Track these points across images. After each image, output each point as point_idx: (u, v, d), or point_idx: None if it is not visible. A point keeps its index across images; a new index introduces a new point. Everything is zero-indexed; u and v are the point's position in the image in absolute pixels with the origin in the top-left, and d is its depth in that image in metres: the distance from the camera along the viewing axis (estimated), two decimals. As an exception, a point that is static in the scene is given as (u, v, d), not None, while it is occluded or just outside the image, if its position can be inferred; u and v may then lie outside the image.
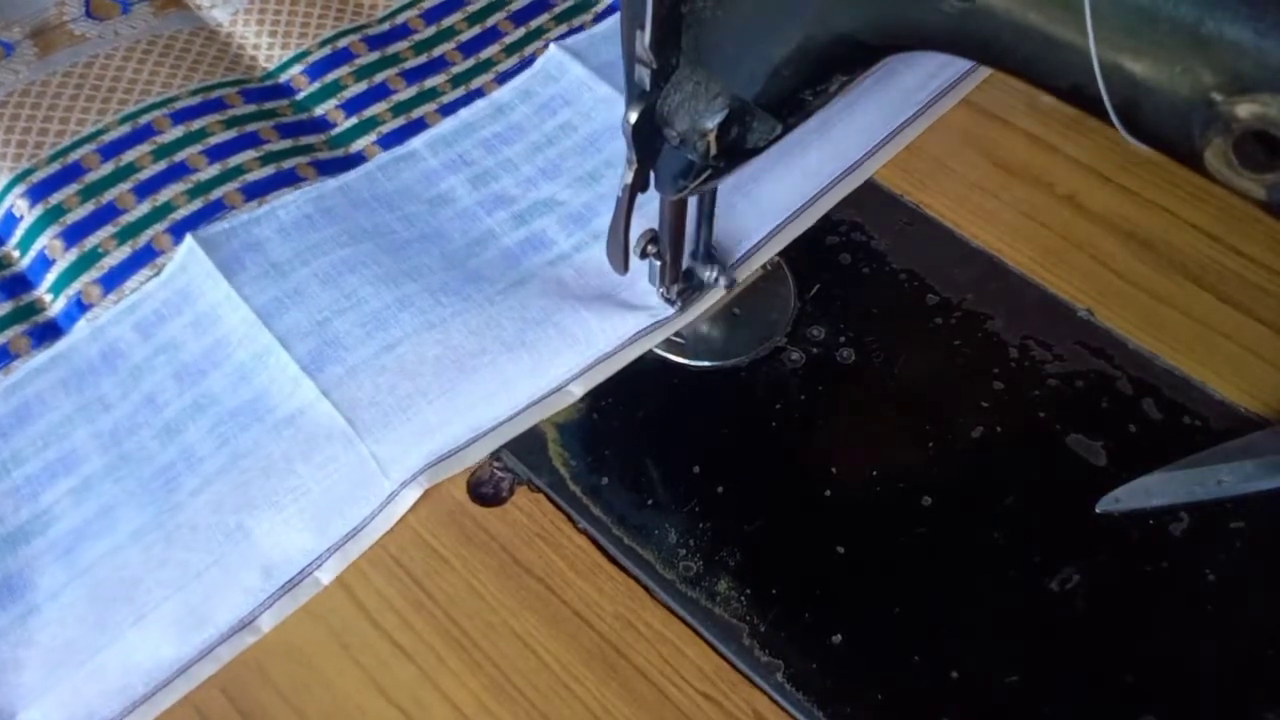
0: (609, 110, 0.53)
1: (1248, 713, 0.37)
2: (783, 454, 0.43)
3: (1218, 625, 0.39)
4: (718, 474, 0.43)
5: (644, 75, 0.35)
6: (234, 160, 0.52)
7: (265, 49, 0.58)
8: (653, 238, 0.43)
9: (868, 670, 0.38)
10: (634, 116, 0.35)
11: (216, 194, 0.50)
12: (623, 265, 0.42)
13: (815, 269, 0.48)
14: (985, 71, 0.55)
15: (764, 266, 0.49)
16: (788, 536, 0.41)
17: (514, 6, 0.60)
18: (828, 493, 0.42)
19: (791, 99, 0.36)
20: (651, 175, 0.38)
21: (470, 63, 0.57)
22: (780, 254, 0.49)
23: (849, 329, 0.46)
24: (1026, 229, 0.50)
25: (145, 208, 0.50)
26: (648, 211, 0.41)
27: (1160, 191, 0.51)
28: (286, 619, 0.40)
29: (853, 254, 0.49)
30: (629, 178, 0.38)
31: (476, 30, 0.59)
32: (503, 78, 0.56)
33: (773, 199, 0.50)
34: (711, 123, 0.35)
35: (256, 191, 0.51)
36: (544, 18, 0.59)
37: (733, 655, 0.38)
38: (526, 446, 0.44)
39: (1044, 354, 0.45)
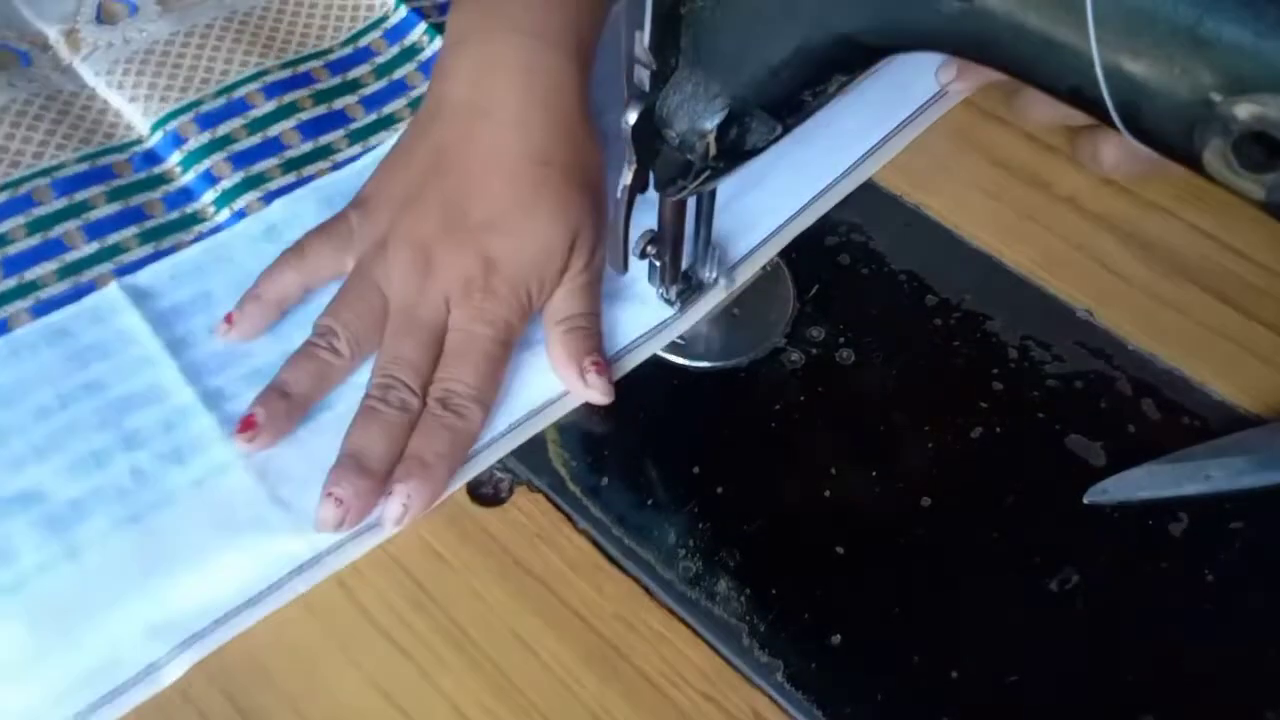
0: (152, 373, 0.45)
1: (1248, 713, 0.37)
2: (782, 454, 0.43)
3: (1218, 625, 0.39)
4: (717, 474, 0.43)
5: (643, 76, 0.35)
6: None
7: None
8: (652, 238, 0.43)
9: (868, 670, 0.38)
10: (633, 117, 0.36)
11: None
12: (622, 265, 0.43)
13: (815, 269, 0.48)
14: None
15: (763, 267, 0.49)
16: (787, 537, 0.41)
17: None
18: (827, 493, 0.42)
19: (790, 100, 0.36)
20: (651, 176, 0.38)
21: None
22: (779, 254, 0.49)
23: (848, 330, 0.46)
24: (1026, 229, 0.50)
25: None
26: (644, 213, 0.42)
27: (1160, 191, 0.51)
28: (286, 619, 0.40)
29: (852, 254, 0.49)
30: (628, 178, 0.38)
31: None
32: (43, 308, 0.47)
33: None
34: (710, 124, 0.35)
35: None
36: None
37: (732, 655, 0.38)
38: (526, 447, 0.43)
39: (1043, 354, 0.45)
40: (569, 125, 0.45)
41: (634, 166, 0.37)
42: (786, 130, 0.37)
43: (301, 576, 0.40)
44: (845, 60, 0.35)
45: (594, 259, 0.46)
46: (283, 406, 0.43)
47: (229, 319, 0.45)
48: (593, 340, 0.45)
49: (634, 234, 0.42)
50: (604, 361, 0.44)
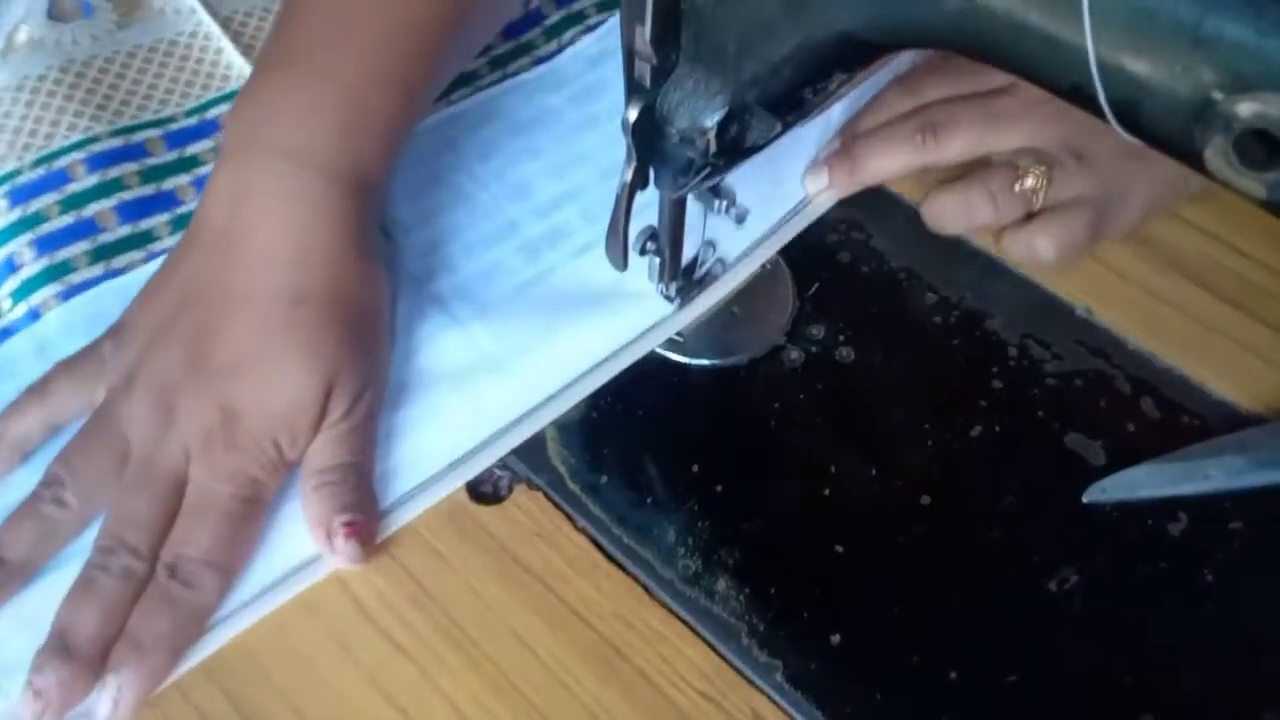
0: None
1: (1247, 713, 0.37)
2: (782, 453, 0.43)
3: (1217, 625, 0.39)
4: (717, 473, 0.42)
5: (644, 71, 0.35)
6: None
7: None
8: (652, 234, 0.43)
9: (867, 670, 0.38)
10: (634, 113, 0.35)
11: None
12: (622, 262, 0.42)
13: (815, 268, 0.48)
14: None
15: (763, 265, 0.49)
16: (786, 536, 0.41)
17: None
18: (826, 492, 0.42)
19: (791, 97, 0.36)
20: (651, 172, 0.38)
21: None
22: (780, 253, 0.49)
23: (848, 328, 0.46)
24: (1026, 228, 0.50)
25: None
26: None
27: (1160, 191, 0.51)
28: (285, 618, 0.40)
29: (852, 253, 0.49)
30: (628, 175, 0.37)
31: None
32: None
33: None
34: (711, 121, 0.35)
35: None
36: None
37: (731, 655, 0.38)
38: (525, 445, 0.43)
39: (1043, 353, 0.45)
40: (331, 259, 0.41)
41: (634, 163, 0.37)
42: (787, 128, 0.37)
43: None
44: (846, 58, 0.35)
45: (359, 404, 0.41)
46: None
47: None
48: (347, 496, 0.40)
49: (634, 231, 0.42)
50: (359, 521, 0.39)
